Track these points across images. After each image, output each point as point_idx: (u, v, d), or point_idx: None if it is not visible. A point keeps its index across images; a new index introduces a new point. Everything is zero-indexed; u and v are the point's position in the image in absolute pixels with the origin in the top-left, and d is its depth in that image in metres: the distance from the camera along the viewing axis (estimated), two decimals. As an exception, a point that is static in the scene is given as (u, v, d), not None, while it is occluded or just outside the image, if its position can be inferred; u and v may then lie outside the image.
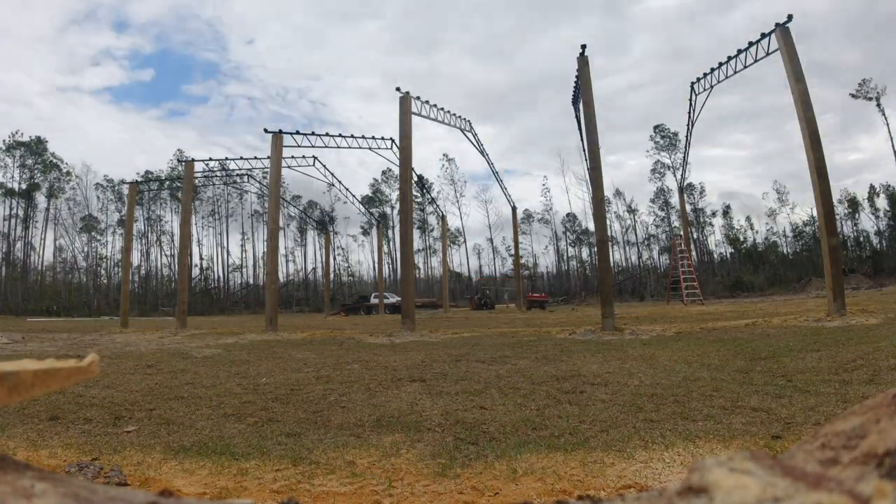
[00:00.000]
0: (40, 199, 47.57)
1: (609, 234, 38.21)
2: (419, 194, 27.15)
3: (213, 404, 3.72)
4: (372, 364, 5.71)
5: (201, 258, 52.75)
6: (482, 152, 19.62)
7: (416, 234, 50.07)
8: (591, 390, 3.81)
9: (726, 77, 13.33)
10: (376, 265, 35.28)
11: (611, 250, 45.76)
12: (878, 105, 41.55)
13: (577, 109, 14.25)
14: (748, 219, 52.07)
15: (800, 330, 7.18)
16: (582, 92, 10.47)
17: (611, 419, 2.98)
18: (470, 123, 17.53)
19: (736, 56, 12.35)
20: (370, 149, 17.05)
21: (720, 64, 13.22)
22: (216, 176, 24.84)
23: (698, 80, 14.75)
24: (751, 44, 11.49)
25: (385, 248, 40.63)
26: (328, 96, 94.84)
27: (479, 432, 2.81)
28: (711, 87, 14.29)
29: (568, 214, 55.31)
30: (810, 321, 8.20)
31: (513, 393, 3.81)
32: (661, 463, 2.24)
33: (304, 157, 18.07)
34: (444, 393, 3.90)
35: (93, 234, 50.91)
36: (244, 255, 54.90)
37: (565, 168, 75.87)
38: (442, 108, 14.44)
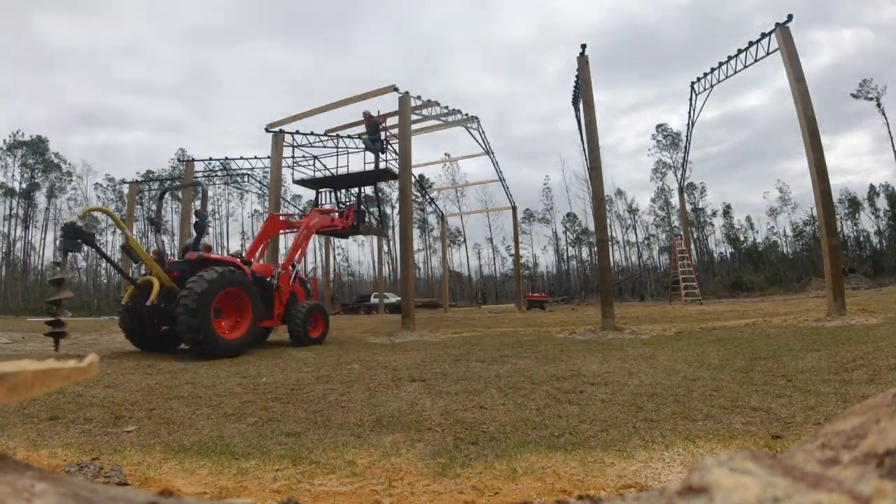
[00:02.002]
0: (40, 198, 47.59)
1: (609, 233, 38.24)
2: (419, 194, 27.03)
3: (213, 404, 3.72)
4: (372, 364, 5.71)
5: (201, 258, 52.65)
6: (488, 151, 19.17)
7: (415, 233, 50.07)
8: (591, 390, 3.81)
9: (726, 77, 13.37)
10: (376, 265, 35.29)
11: (611, 250, 45.77)
12: (878, 105, 41.58)
13: (577, 109, 14.23)
14: (748, 218, 52.16)
15: (800, 330, 7.18)
16: (582, 92, 10.47)
17: (611, 419, 2.98)
18: (477, 121, 16.78)
19: (736, 56, 12.37)
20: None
21: (720, 64, 13.26)
22: (216, 175, 24.82)
23: (698, 79, 14.78)
24: (751, 43, 11.50)
25: (385, 248, 40.57)
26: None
27: (479, 432, 2.81)
28: (711, 86, 14.31)
29: (568, 214, 55.33)
30: (810, 321, 8.20)
31: (513, 392, 3.81)
32: (660, 462, 2.23)
33: (304, 156, 18.06)
34: (444, 392, 3.90)
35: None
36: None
37: (566, 167, 75.76)
38: (446, 107, 14.30)
